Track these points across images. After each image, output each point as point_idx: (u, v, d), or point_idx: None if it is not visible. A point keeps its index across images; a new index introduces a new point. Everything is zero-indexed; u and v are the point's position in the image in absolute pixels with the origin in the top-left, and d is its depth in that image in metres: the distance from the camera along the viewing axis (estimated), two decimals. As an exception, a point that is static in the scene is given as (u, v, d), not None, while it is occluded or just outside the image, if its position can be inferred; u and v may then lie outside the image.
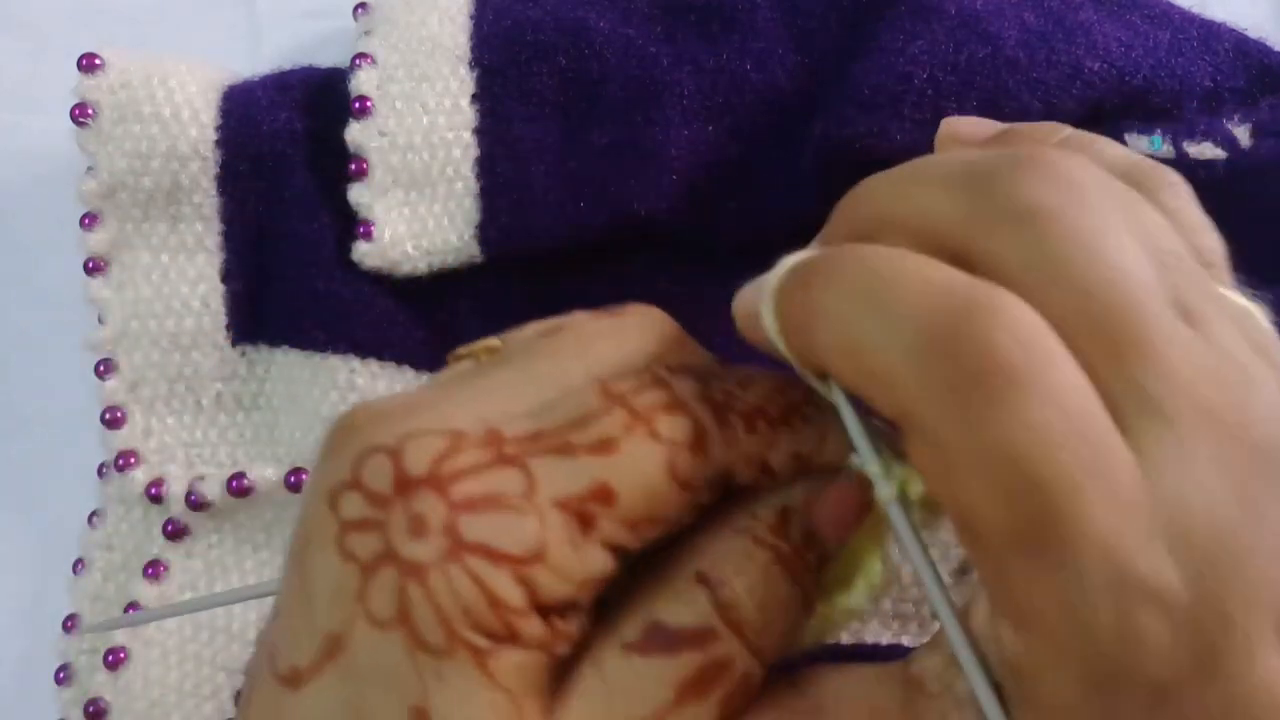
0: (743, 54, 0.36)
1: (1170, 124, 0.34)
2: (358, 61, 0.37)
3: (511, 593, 0.20)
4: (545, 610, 0.20)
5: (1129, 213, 0.20)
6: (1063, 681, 0.19)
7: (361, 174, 0.36)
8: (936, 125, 0.33)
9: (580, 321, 0.24)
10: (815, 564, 0.23)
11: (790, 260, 0.23)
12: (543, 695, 0.21)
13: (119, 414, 0.37)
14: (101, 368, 0.37)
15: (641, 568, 0.22)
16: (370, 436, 0.21)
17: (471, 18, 0.37)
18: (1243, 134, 0.34)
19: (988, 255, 0.20)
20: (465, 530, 0.20)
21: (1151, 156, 0.34)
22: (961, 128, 0.29)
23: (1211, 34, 0.36)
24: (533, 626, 0.20)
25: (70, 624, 0.37)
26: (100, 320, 0.38)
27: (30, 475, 0.40)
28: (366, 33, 0.38)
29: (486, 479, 0.20)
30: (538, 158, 0.36)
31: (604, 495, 0.21)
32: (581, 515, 0.21)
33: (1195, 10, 0.37)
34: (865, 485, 0.22)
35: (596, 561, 0.21)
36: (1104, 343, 0.18)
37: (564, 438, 0.21)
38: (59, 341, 0.39)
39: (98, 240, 0.37)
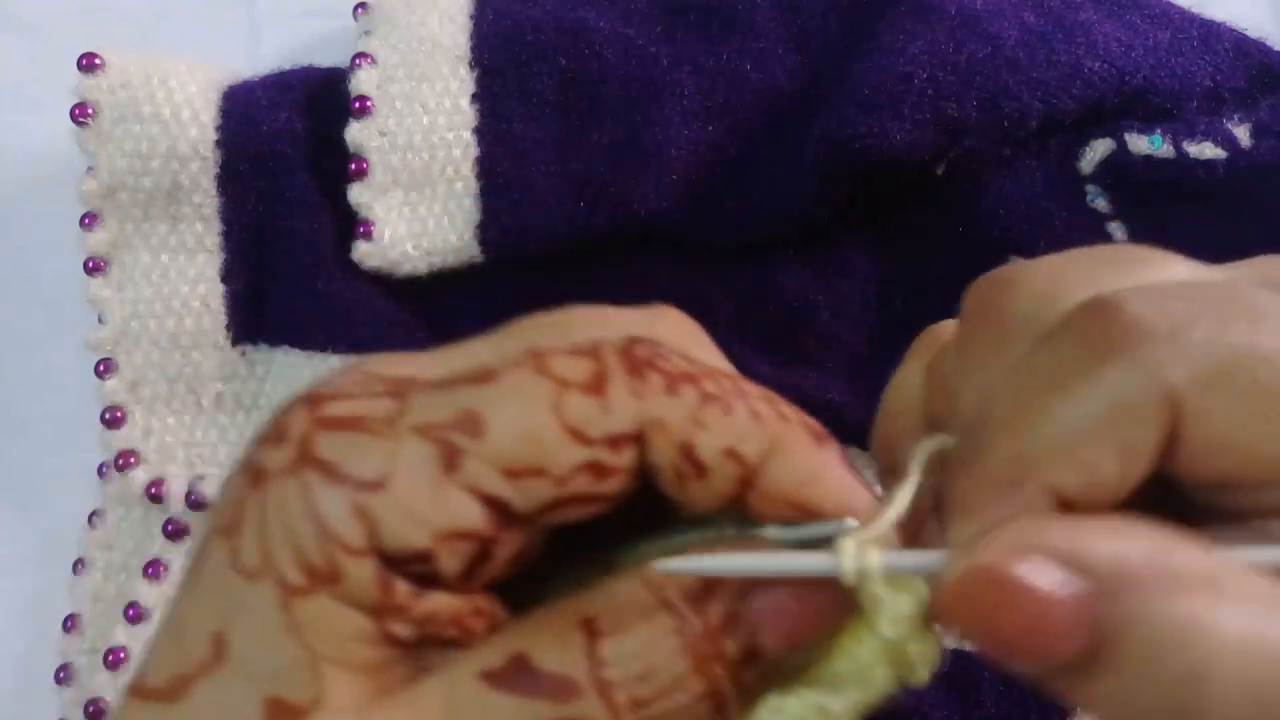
0: (743, 54, 0.36)
1: (1170, 124, 0.34)
2: (358, 61, 0.37)
3: (344, 522, 0.18)
4: (390, 561, 0.18)
5: None
6: None
7: (361, 174, 0.36)
8: (936, 125, 0.34)
9: (580, 306, 0.22)
10: (738, 659, 0.19)
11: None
12: (368, 675, 0.18)
13: (119, 414, 0.37)
14: (101, 368, 0.37)
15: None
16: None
17: (471, 18, 0.37)
18: (1243, 134, 0.34)
19: None
20: (318, 445, 0.18)
21: (1151, 156, 0.34)
22: None
23: (1211, 34, 0.36)
24: (362, 573, 0.18)
25: (71, 624, 0.36)
26: (100, 320, 0.37)
27: (30, 475, 0.40)
28: (366, 33, 0.38)
29: (361, 404, 0.19)
30: (538, 158, 0.36)
31: (471, 424, 0.18)
32: (445, 447, 0.18)
33: (1195, 10, 0.37)
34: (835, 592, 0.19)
35: (457, 507, 0.18)
36: None
37: (457, 375, 0.19)
38: (59, 341, 0.39)
39: (98, 240, 0.37)
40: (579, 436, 0.18)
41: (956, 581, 0.17)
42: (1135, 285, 0.18)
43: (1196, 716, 0.16)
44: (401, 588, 0.18)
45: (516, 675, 0.18)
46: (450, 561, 0.18)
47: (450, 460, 0.18)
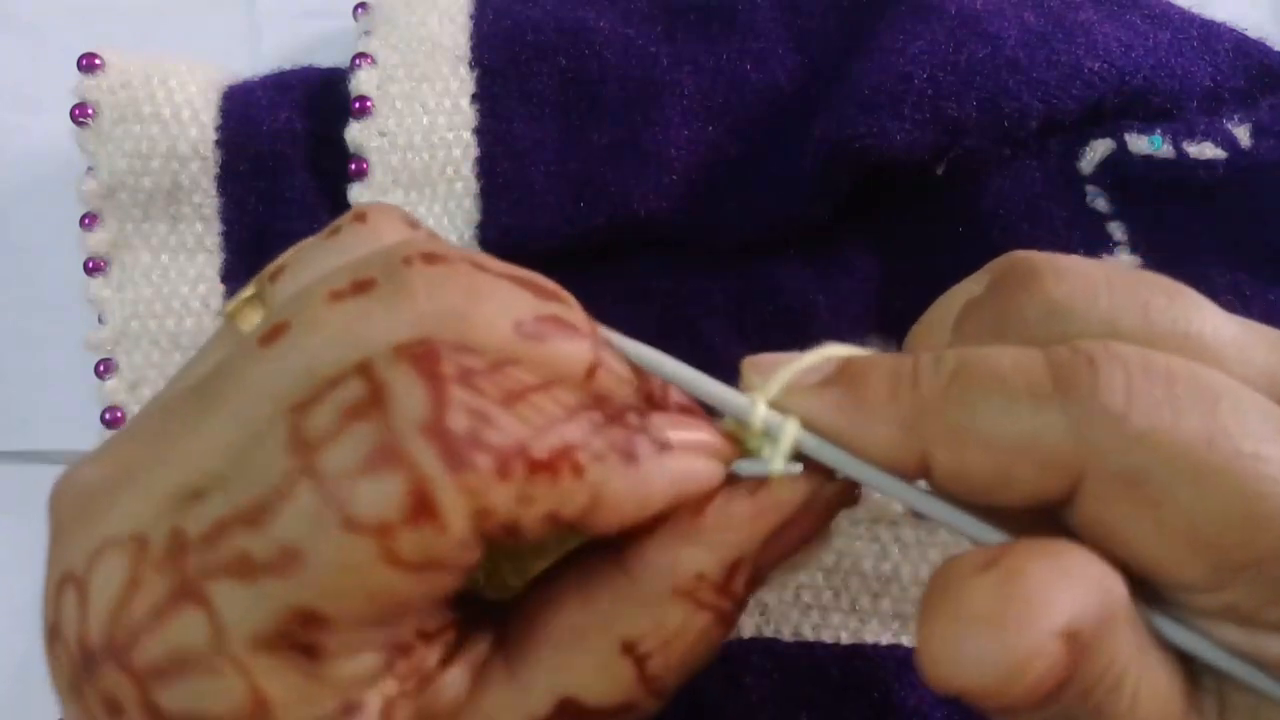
0: (743, 54, 0.36)
1: (1170, 124, 0.34)
2: (358, 61, 0.37)
3: None
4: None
5: None
6: None
7: (361, 174, 0.36)
8: (936, 125, 0.34)
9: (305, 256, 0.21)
10: (744, 599, 0.21)
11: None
12: None
13: (119, 414, 0.37)
14: (101, 368, 0.37)
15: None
16: (65, 550, 0.20)
17: (471, 18, 0.37)
18: (1243, 134, 0.34)
19: None
20: (165, 705, 0.17)
21: (1151, 156, 0.34)
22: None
23: (1211, 34, 0.36)
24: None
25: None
26: (100, 320, 0.37)
27: (30, 475, 0.39)
28: (366, 33, 0.38)
29: (167, 632, 0.17)
30: (538, 158, 0.36)
31: (308, 619, 0.17)
32: (294, 644, 0.17)
33: (1195, 10, 0.37)
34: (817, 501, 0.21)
35: (352, 669, 0.17)
36: None
37: (242, 547, 0.17)
38: (59, 341, 0.39)
39: (98, 240, 0.37)
40: (423, 567, 0.17)
41: (997, 666, 0.17)
42: (1136, 346, 0.18)
43: None
44: None
45: (568, 717, 0.19)
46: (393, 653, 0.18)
47: (309, 651, 0.17)
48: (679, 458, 0.19)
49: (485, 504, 0.17)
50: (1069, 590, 0.17)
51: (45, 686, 0.36)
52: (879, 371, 0.20)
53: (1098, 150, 0.35)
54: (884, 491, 0.20)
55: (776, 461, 0.20)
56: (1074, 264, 0.20)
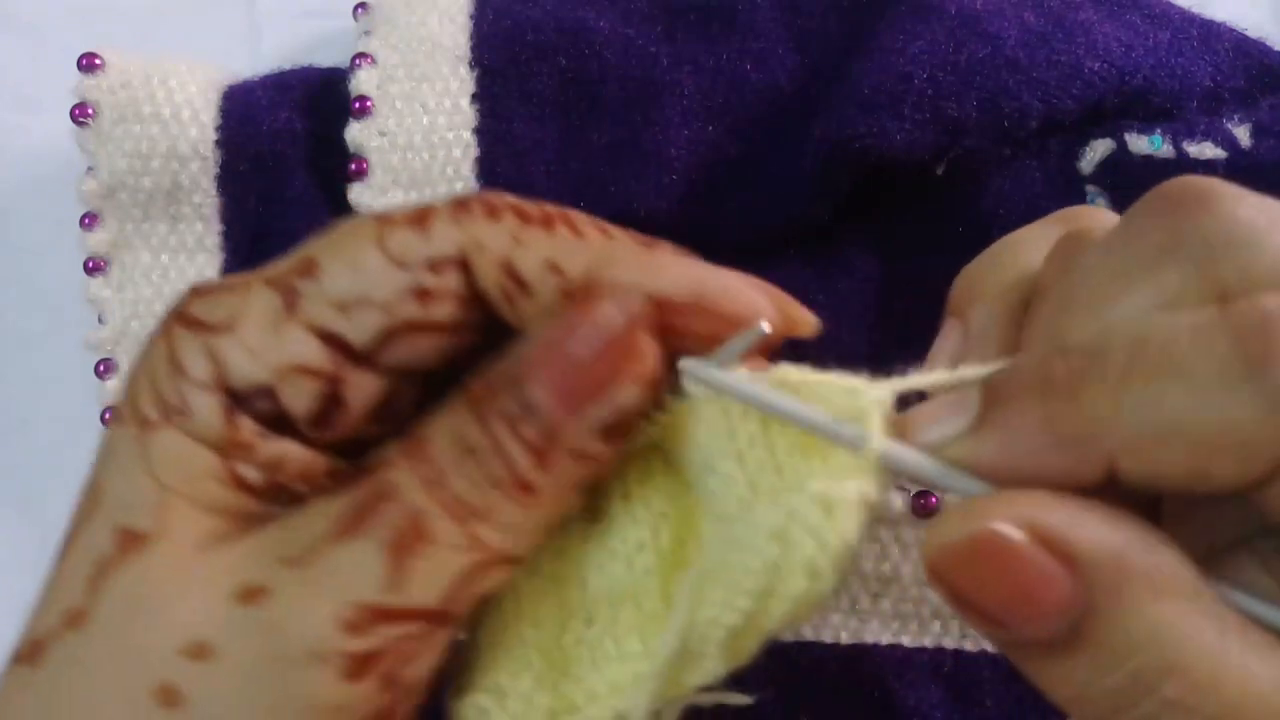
0: (743, 54, 0.36)
1: (1170, 124, 0.34)
2: (358, 61, 0.37)
3: (195, 360, 0.20)
4: (238, 398, 0.20)
5: None
6: None
7: (361, 174, 0.36)
8: (936, 125, 0.34)
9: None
10: (516, 414, 0.19)
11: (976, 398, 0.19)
12: (218, 516, 0.20)
13: (119, 414, 0.37)
14: (101, 368, 0.37)
15: None
16: None
17: (471, 18, 0.37)
18: (1243, 134, 0.34)
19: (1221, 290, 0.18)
20: (188, 308, 0.21)
21: (1151, 156, 0.34)
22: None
23: (1211, 34, 0.36)
24: (207, 405, 0.20)
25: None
26: (100, 320, 0.37)
27: (30, 475, 0.40)
28: (366, 33, 0.38)
29: (238, 277, 0.21)
30: (538, 158, 0.36)
31: (306, 268, 0.20)
32: (285, 290, 0.20)
33: (1195, 10, 0.37)
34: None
35: (295, 344, 0.20)
36: None
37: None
38: (59, 341, 0.39)
39: (98, 240, 0.37)
40: (400, 263, 0.20)
41: (958, 541, 0.17)
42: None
43: (1149, 711, 0.17)
44: (247, 424, 0.20)
45: (345, 479, 0.20)
46: (296, 399, 0.20)
47: (290, 302, 0.20)
48: (708, 273, 0.21)
49: (472, 237, 0.20)
50: (1059, 506, 0.17)
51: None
52: (1022, 388, 0.18)
53: (1098, 150, 0.35)
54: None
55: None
56: (1248, 192, 0.19)
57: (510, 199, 0.21)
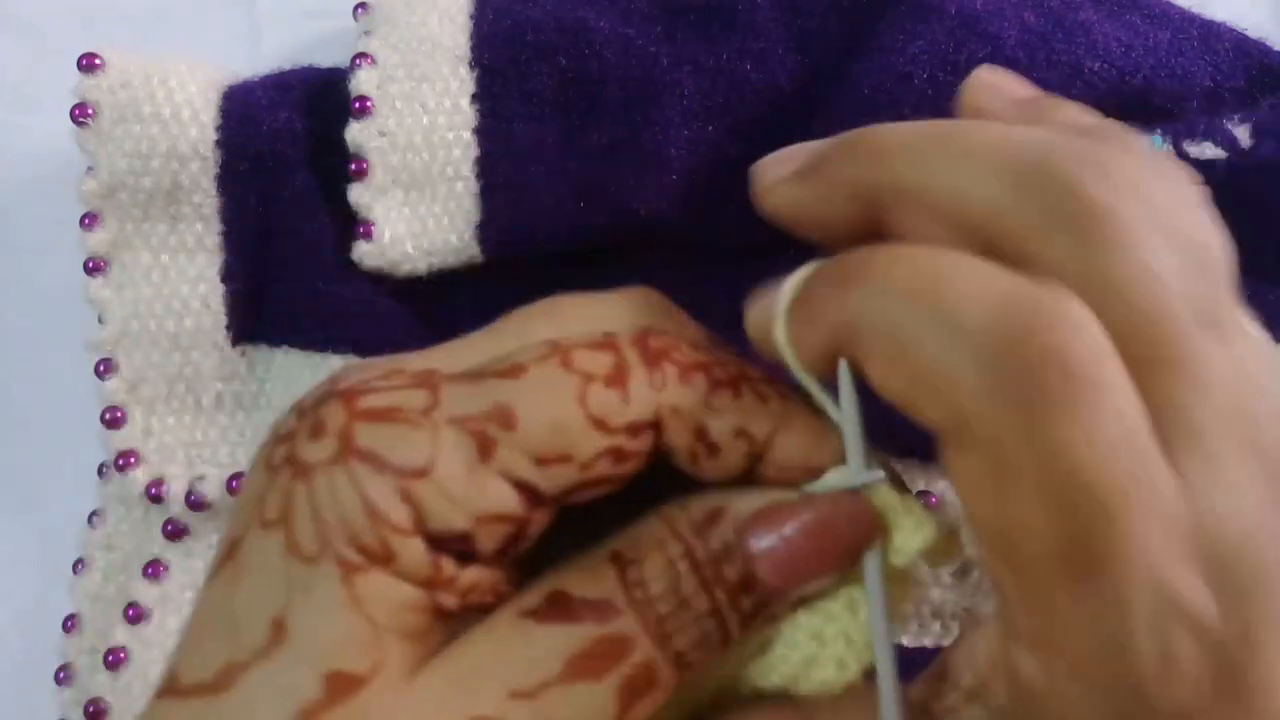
0: (743, 54, 0.36)
1: (1170, 124, 0.34)
2: (358, 61, 0.37)
3: (393, 506, 0.19)
4: (434, 541, 0.20)
5: (1176, 217, 0.19)
6: (1085, 708, 0.18)
7: (361, 174, 0.36)
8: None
9: (564, 296, 0.24)
10: (736, 584, 0.21)
11: (813, 264, 0.22)
12: (416, 642, 0.20)
13: (119, 414, 0.37)
14: (101, 368, 0.37)
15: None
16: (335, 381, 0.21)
17: (471, 18, 0.37)
18: (1243, 134, 0.34)
19: (1040, 258, 0.19)
20: (358, 436, 0.20)
21: (1151, 156, 0.34)
22: (986, 96, 0.24)
23: (1211, 34, 0.36)
24: (413, 552, 0.19)
25: (70, 624, 0.36)
26: (100, 320, 0.37)
27: (30, 475, 0.40)
28: (366, 33, 0.38)
29: (394, 396, 0.20)
30: (538, 158, 0.36)
31: (504, 418, 0.20)
32: (480, 438, 0.20)
33: (1195, 10, 0.37)
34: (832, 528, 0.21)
35: (494, 492, 0.20)
36: (1147, 357, 0.18)
37: (484, 369, 0.21)
38: (59, 341, 0.39)
39: (98, 240, 0.37)
40: (602, 426, 0.20)
41: None
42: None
43: None
44: (447, 563, 0.20)
45: (557, 608, 0.20)
46: (487, 541, 0.20)
47: (485, 450, 0.20)
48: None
49: (667, 401, 0.21)
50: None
51: (46, 686, 0.36)
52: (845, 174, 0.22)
53: (1098, 150, 0.35)
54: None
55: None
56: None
57: (695, 357, 0.22)
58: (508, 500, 0.20)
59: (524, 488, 0.20)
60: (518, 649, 0.20)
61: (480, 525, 0.20)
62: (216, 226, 0.38)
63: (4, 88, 0.42)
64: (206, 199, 0.37)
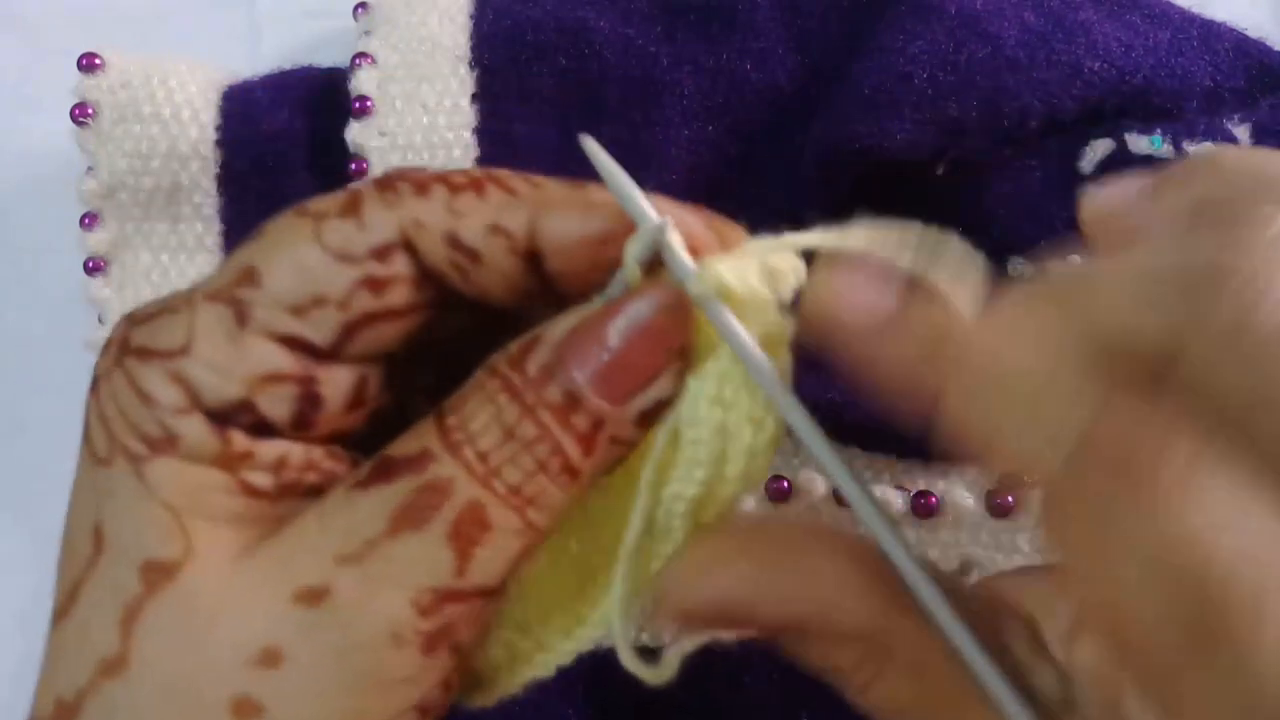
0: (743, 54, 0.36)
1: (1170, 124, 0.34)
2: (358, 61, 0.37)
3: (163, 389, 0.20)
4: (216, 416, 0.20)
5: None
6: None
7: (361, 174, 0.36)
8: (937, 125, 0.34)
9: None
10: (563, 408, 0.20)
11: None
12: (239, 526, 0.20)
13: (119, 414, 0.37)
14: (101, 368, 0.37)
15: None
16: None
17: (471, 18, 0.37)
18: (1243, 134, 0.34)
19: (1203, 383, 0.15)
20: (131, 338, 0.20)
21: (1152, 156, 0.34)
22: (1108, 205, 0.20)
23: (1211, 34, 0.36)
24: (194, 429, 0.19)
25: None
26: (100, 320, 0.37)
27: (30, 475, 0.39)
28: (366, 33, 0.38)
29: (164, 300, 0.21)
30: (538, 158, 0.36)
31: (249, 276, 0.20)
32: (234, 303, 0.20)
33: (1195, 10, 0.37)
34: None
35: (258, 352, 0.20)
36: None
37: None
38: (59, 341, 0.39)
39: (98, 240, 0.37)
40: (346, 258, 0.20)
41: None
42: None
43: None
44: (238, 436, 0.20)
45: (378, 472, 0.20)
46: (275, 407, 0.20)
47: (241, 315, 0.20)
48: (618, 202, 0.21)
49: (409, 217, 0.20)
50: None
51: (45, 686, 0.36)
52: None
53: (1098, 150, 0.35)
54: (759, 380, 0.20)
55: (629, 263, 0.20)
56: None
57: (431, 171, 0.21)
58: (275, 357, 0.20)
59: (291, 342, 0.20)
60: (343, 518, 0.20)
61: (257, 390, 0.20)
62: (216, 226, 0.38)
63: (4, 88, 0.42)
64: (206, 199, 0.37)
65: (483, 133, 0.36)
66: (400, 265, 0.21)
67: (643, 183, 0.35)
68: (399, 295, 0.21)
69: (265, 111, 0.37)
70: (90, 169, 0.37)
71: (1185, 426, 0.15)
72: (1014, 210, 0.35)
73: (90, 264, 0.37)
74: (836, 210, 0.35)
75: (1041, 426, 0.16)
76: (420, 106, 0.36)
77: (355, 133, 0.36)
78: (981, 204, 0.35)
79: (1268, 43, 0.36)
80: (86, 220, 0.37)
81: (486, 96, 0.36)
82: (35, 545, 0.39)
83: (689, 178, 0.36)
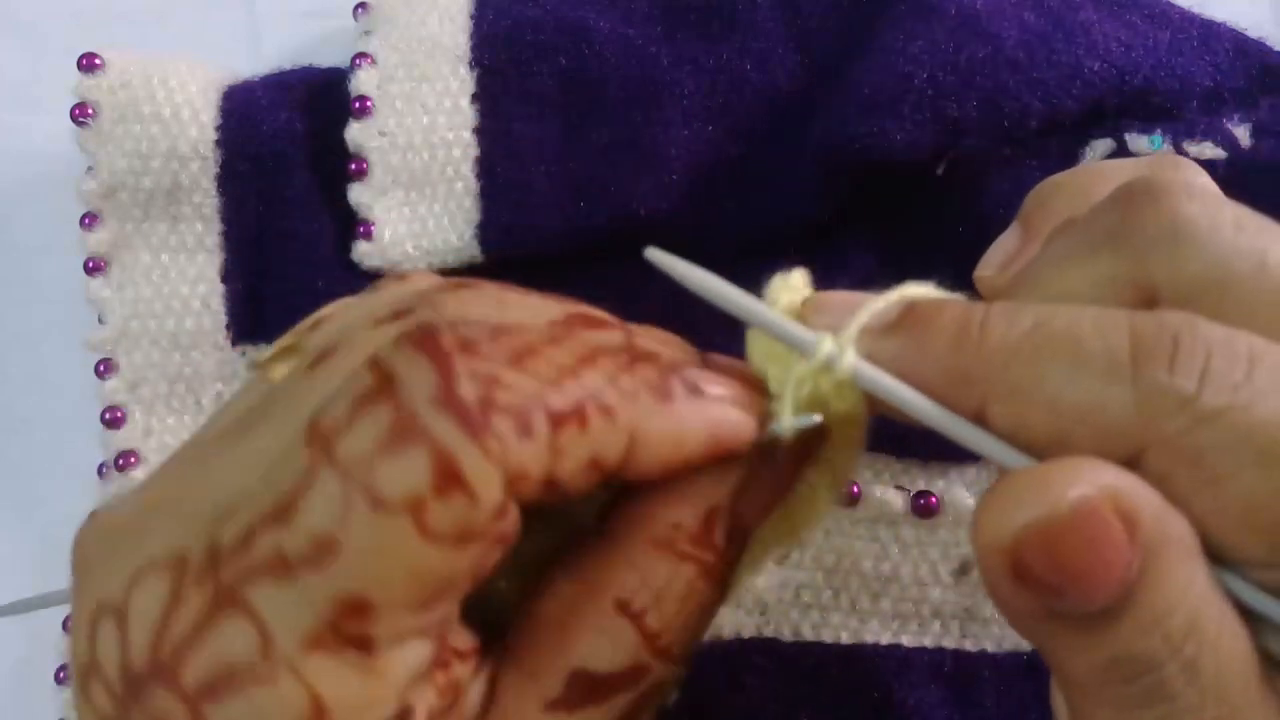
0: (743, 54, 0.36)
1: (1170, 124, 0.34)
2: (358, 61, 0.37)
3: None
4: None
5: None
6: None
7: (361, 174, 0.36)
8: (937, 125, 0.34)
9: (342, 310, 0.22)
10: (738, 557, 0.21)
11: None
12: None
13: (119, 414, 0.37)
14: (101, 368, 0.37)
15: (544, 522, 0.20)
16: (97, 584, 0.19)
17: (471, 18, 0.37)
18: (1243, 134, 0.34)
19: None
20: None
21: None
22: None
23: (1211, 34, 0.36)
24: None
25: (70, 624, 0.36)
26: (100, 320, 0.37)
27: (30, 475, 0.40)
28: (366, 33, 0.38)
29: (214, 645, 0.17)
30: (538, 158, 0.36)
31: (354, 608, 0.16)
32: (345, 639, 0.17)
33: (1195, 10, 0.37)
34: (777, 458, 0.21)
35: (405, 663, 0.17)
36: None
37: (275, 544, 0.17)
38: (59, 341, 0.39)
39: (98, 240, 0.37)
40: (465, 539, 0.17)
41: (1047, 516, 0.17)
42: (1224, 325, 0.18)
43: (1170, 673, 0.17)
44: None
45: (583, 689, 0.19)
46: (437, 699, 0.18)
47: (360, 644, 0.17)
48: (712, 402, 0.20)
49: (515, 466, 0.17)
50: (1119, 473, 0.17)
51: (46, 686, 0.36)
52: (947, 317, 0.19)
53: (1098, 150, 0.35)
54: (937, 426, 0.19)
55: (786, 416, 0.20)
56: (1207, 192, 0.20)
57: (526, 383, 0.18)
58: (422, 654, 0.18)
59: (429, 631, 0.18)
60: None
61: (408, 691, 0.18)
62: (216, 226, 0.38)
63: (4, 88, 0.42)
64: (206, 199, 0.37)
65: (483, 133, 0.36)
66: (511, 520, 0.18)
67: (643, 182, 0.36)
68: (512, 525, 0.18)
69: (265, 111, 0.37)
70: (90, 169, 0.37)
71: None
72: (1014, 210, 0.35)
73: (90, 264, 0.37)
74: (836, 210, 0.36)
75: (1092, 363, 0.18)
76: (420, 106, 0.36)
77: (355, 133, 0.36)
78: (981, 204, 0.35)
79: (1268, 43, 0.36)
80: (86, 220, 0.37)
81: (486, 96, 0.36)
82: (36, 545, 0.39)
83: (689, 178, 0.36)
